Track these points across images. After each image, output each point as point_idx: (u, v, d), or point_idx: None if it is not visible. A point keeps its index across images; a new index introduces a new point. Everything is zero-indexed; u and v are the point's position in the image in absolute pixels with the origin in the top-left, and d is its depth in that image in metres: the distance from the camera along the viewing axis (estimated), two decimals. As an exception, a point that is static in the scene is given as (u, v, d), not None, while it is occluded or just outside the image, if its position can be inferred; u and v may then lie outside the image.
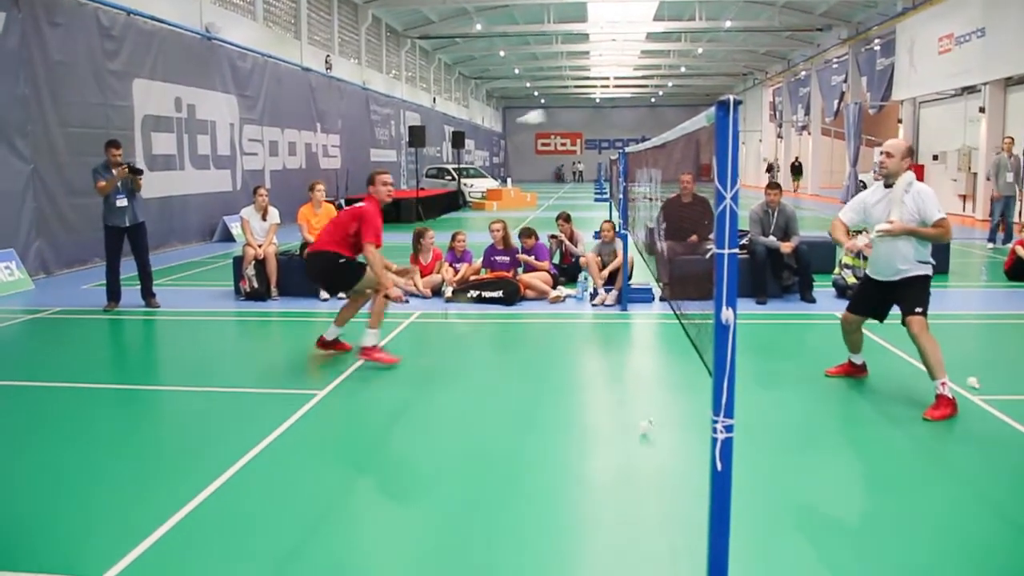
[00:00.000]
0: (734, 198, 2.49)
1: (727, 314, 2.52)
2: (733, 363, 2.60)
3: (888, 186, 5.77)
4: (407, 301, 6.92)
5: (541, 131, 68.84)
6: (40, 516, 4.11)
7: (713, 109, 2.57)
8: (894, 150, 5.72)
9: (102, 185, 9.34)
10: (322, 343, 7.37)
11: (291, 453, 4.98)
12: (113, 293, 9.69)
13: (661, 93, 60.16)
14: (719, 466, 2.64)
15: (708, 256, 9.29)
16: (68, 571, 3.51)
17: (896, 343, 7.17)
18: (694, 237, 10.19)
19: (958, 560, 3.62)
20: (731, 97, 2.48)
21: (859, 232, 6.20)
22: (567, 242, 11.40)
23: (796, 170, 39.90)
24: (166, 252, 15.47)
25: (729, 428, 2.61)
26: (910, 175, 5.71)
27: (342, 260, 6.89)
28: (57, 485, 4.51)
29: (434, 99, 42.29)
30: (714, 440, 2.64)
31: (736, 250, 2.57)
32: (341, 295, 10.06)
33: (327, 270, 7.07)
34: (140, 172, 9.54)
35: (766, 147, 47.37)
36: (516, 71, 50.00)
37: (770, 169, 42.99)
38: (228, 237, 17.83)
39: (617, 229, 10.11)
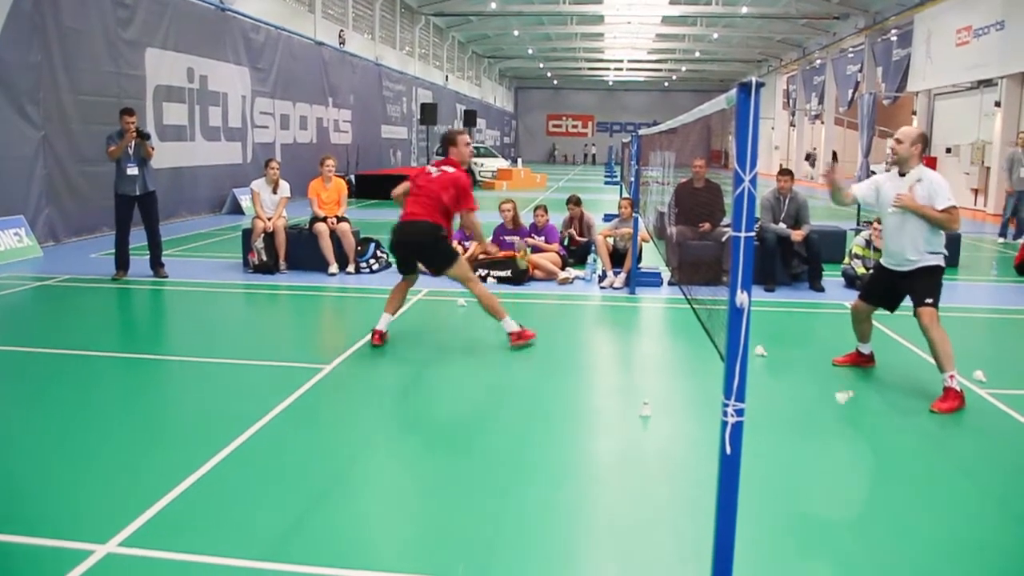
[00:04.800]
0: (752, 181, 2.46)
1: (742, 298, 2.50)
2: (746, 347, 2.59)
3: (902, 175, 5.74)
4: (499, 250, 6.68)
5: (552, 112, 68.60)
6: (44, 483, 4.13)
7: (734, 91, 2.54)
8: (904, 136, 5.69)
9: (112, 150, 9.39)
10: (379, 337, 6.75)
11: (295, 426, 4.99)
12: (122, 262, 9.72)
13: (674, 77, 59.83)
14: (728, 450, 2.63)
15: (725, 239, 9.28)
16: (72, 538, 3.53)
17: (904, 334, 7.15)
18: (707, 225, 10.15)
19: (960, 552, 3.61)
20: (753, 79, 2.45)
21: (870, 223, 6.18)
22: (578, 225, 11.40)
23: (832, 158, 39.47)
24: (175, 223, 15.49)
25: (740, 412, 2.60)
26: (920, 168, 5.68)
27: (443, 234, 6.55)
28: (62, 452, 4.53)
29: (447, 77, 42.11)
30: (724, 423, 2.63)
31: (752, 234, 2.55)
32: (349, 269, 10.18)
33: (425, 244, 6.55)
34: (147, 136, 9.55)
35: (778, 135, 47.09)
36: (530, 51, 49.74)
37: (808, 157, 42.38)
38: (237, 209, 17.84)
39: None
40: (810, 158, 40.12)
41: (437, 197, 6.50)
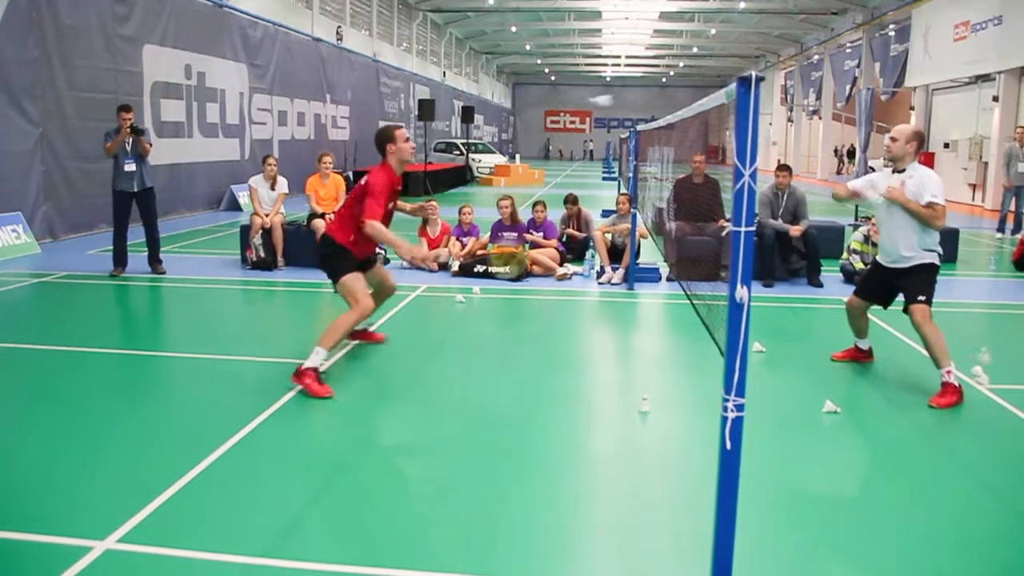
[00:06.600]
0: (753, 176, 2.46)
1: (742, 292, 2.50)
2: (746, 342, 2.58)
3: (896, 171, 5.74)
4: (434, 270, 5.05)
5: (550, 108, 68.56)
6: (43, 479, 4.12)
7: (734, 85, 2.53)
8: (899, 134, 5.69)
9: (108, 146, 9.39)
10: (351, 333, 6.41)
11: (293, 422, 4.98)
12: (120, 258, 9.70)
13: (672, 73, 59.79)
14: (728, 445, 2.63)
15: (725, 234, 9.27)
16: (71, 534, 3.52)
17: (903, 330, 7.15)
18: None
19: (959, 546, 3.62)
20: (753, 73, 2.45)
21: (868, 218, 6.17)
22: (575, 223, 11.40)
23: (850, 154, 39.47)
24: (173, 219, 15.46)
25: (740, 407, 2.60)
26: (915, 166, 5.68)
27: (335, 245, 5.77)
28: (61, 449, 4.53)
29: (444, 73, 42.06)
30: (724, 419, 2.62)
31: (752, 228, 2.55)
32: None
33: (320, 255, 5.97)
34: (142, 132, 9.52)
35: (776, 131, 47.06)
36: (527, 47, 49.70)
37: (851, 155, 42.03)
38: (235, 206, 17.81)
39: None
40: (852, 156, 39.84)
41: (348, 211, 5.79)
